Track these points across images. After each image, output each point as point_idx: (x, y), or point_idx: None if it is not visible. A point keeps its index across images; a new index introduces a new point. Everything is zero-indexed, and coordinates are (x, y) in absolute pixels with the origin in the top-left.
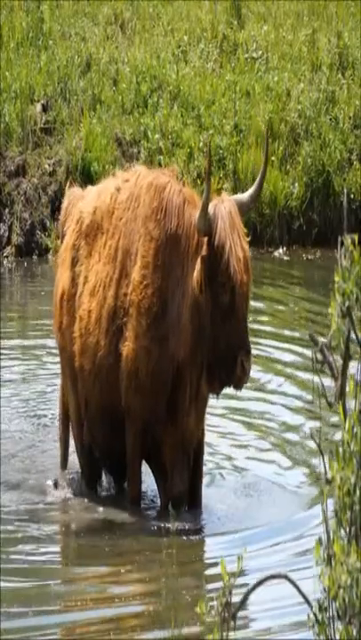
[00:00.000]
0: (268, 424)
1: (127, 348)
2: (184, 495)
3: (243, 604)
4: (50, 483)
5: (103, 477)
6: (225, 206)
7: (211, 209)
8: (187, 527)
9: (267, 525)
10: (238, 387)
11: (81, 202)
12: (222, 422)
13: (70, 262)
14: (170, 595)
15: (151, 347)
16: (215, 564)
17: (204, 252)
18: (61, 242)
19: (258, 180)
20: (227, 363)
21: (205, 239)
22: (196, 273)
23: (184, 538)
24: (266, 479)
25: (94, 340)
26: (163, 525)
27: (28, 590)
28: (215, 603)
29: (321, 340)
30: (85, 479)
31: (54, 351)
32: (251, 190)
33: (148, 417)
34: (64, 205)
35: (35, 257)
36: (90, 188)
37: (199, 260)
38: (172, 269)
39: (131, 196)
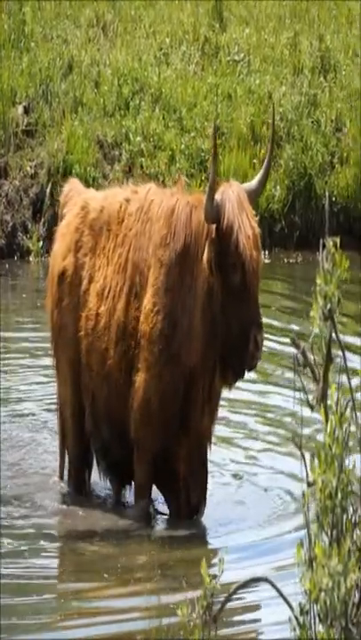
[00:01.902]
0: (259, 427)
1: (139, 378)
2: (201, 505)
3: (224, 606)
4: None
5: (95, 481)
6: (233, 190)
7: (218, 196)
8: (179, 534)
9: (256, 529)
10: (252, 365)
11: (85, 194)
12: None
13: (74, 246)
14: (153, 602)
15: (163, 372)
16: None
17: (212, 235)
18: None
19: (265, 164)
20: (240, 343)
21: (214, 226)
22: (206, 254)
23: (173, 545)
24: (257, 483)
25: (103, 346)
26: (152, 534)
27: (13, 607)
28: (197, 605)
29: (303, 342)
30: (73, 479)
31: (37, 352)
32: (258, 176)
33: (159, 446)
34: (65, 191)
35: (16, 259)
36: (91, 189)
37: (208, 243)
38: (183, 282)
39: (140, 208)
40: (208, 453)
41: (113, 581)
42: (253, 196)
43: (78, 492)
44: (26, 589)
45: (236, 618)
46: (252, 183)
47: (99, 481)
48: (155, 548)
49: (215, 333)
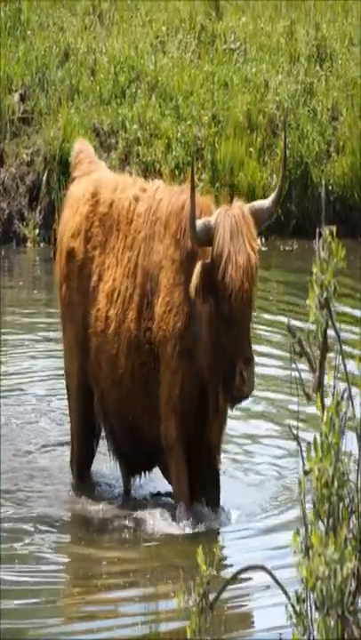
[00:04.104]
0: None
1: (163, 380)
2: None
3: (220, 594)
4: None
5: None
6: (230, 213)
7: (212, 219)
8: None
9: (255, 518)
10: (240, 398)
11: (95, 171)
12: None
13: (84, 234)
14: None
15: (179, 366)
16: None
17: (207, 259)
18: (69, 184)
19: (278, 185)
20: (228, 372)
21: (210, 249)
22: (194, 278)
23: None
24: (256, 472)
25: (113, 352)
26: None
27: (13, 609)
28: (193, 593)
29: (299, 331)
30: (76, 465)
31: (33, 343)
32: (272, 195)
33: (185, 446)
34: (75, 151)
35: (13, 246)
36: (100, 161)
37: (199, 266)
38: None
39: (149, 208)
40: (219, 465)
41: (112, 577)
42: (265, 215)
43: (80, 477)
44: (25, 590)
45: (232, 605)
46: (265, 202)
47: (106, 472)
48: (154, 542)
49: (219, 348)
